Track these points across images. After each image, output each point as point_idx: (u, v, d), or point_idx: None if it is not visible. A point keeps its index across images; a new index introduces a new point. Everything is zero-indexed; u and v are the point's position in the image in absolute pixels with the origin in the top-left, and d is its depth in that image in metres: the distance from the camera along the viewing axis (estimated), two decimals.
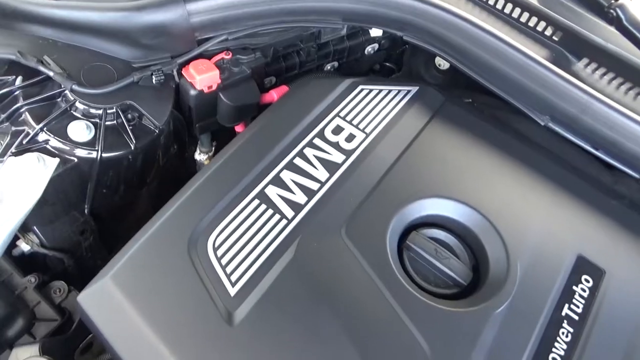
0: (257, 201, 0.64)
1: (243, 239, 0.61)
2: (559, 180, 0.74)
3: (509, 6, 0.80)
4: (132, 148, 0.73)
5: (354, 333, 0.57)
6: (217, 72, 0.78)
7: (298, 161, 0.69)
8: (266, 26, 0.83)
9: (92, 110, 0.72)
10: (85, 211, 0.77)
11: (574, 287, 0.64)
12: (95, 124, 0.72)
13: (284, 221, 0.63)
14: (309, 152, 0.70)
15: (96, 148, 0.70)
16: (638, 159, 0.74)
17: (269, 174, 0.67)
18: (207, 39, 0.80)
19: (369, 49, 1.00)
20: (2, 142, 0.70)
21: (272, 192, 0.65)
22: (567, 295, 0.63)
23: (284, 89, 0.85)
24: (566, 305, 0.62)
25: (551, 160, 0.76)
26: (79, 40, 0.76)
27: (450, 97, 0.81)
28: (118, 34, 0.75)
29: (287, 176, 0.67)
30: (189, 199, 0.64)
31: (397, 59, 1.09)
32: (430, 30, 0.80)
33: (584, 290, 0.64)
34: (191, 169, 0.93)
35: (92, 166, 0.72)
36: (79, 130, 0.71)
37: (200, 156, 0.90)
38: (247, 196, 0.64)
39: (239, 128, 0.86)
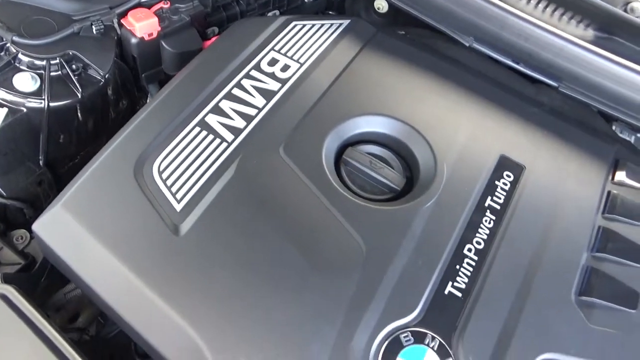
0: (198, 128, 0.68)
1: (186, 162, 0.65)
2: (485, 94, 0.79)
3: None
4: (79, 97, 0.76)
5: (295, 236, 0.61)
6: (155, 19, 0.81)
7: (236, 91, 0.73)
8: None
9: (37, 62, 0.75)
10: (41, 162, 0.80)
11: (497, 182, 0.69)
12: (40, 75, 0.75)
13: (224, 144, 0.67)
14: (246, 82, 0.74)
15: (43, 97, 0.74)
16: (554, 68, 0.80)
17: (209, 103, 0.71)
18: None
19: None
20: None
21: (213, 119, 0.70)
22: (490, 189, 0.68)
23: None
24: (489, 197, 0.68)
25: (477, 78, 0.81)
26: None
27: (383, 29, 0.86)
28: None
29: (226, 105, 0.71)
30: (133, 129, 0.68)
31: (338, 6, 1.13)
32: None
33: (505, 184, 0.69)
34: None
35: (41, 116, 0.75)
36: (24, 81, 0.74)
37: None
38: (188, 124, 0.68)
39: None
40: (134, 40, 0.81)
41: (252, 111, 0.71)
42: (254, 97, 0.72)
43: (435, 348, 0.56)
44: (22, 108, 0.74)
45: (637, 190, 0.73)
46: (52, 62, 0.75)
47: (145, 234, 0.60)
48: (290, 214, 0.63)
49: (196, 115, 0.69)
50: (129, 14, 0.81)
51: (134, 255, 0.59)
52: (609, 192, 0.72)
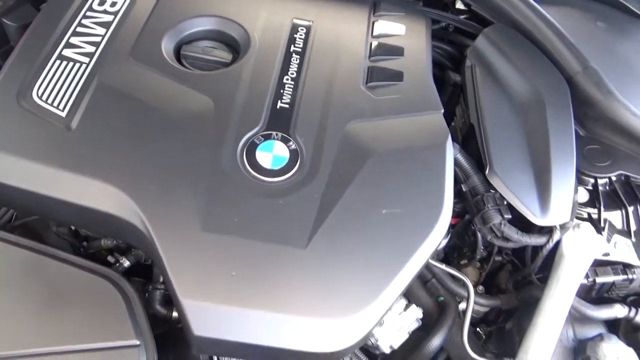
0: (58, 61, 0.86)
1: (57, 85, 0.83)
2: None
3: None
4: None
5: (160, 106, 0.82)
6: None
7: (80, 29, 0.91)
8: None
9: None
10: None
11: (295, 35, 0.96)
12: None
13: (84, 65, 0.86)
14: (86, 21, 0.92)
15: None
16: None
17: (61, 42, 0.88)
18: None
19: None
20: None
21: (68, 52, 0.88)
22: (291, 40, 0.95)
23: None
24: (292, 45, 0.94)
25: None
26: None
27: None
28: None
29: (76, 40, 0.89)
30: (7, 72, 0.84)
31: None
32: None
33: (301, 36, 0.96)
34: None
35: None
36: None
37: None
38: (50, 59, 0.86)
39: None
40: None
41: (97, 38, 0.90)
42: (95, 29, 0.91)
43: (279, 139, 0.82)
44: None
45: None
46: None
47: (41, 138, 0.78)
48: (151, 95, 0.84)
49: (55, 51, 0.87)
50: None
51: (33, 154, 0.76)
52: (371, 43, 1.00)
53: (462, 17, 1.17)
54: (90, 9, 0.95)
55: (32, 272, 0.74)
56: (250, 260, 0.71)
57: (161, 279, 0.84)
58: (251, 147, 0.80)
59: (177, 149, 0.79)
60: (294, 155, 0.80)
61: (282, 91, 0.88)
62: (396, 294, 0.72)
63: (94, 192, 0.74)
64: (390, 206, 0.78)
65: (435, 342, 0.85)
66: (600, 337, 0.82)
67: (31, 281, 0.73)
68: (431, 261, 0.87)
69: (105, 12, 0.95)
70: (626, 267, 0.85)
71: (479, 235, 0.90)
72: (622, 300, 0.88)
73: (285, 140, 0.82)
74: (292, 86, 0.88)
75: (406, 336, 0.84)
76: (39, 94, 0.82)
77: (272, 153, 0.80)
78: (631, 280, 0.84)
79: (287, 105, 0.86)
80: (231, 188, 0.76)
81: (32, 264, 0.74)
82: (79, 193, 0.75)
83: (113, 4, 0.96)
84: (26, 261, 0.74)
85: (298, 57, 0.93)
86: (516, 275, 0.95)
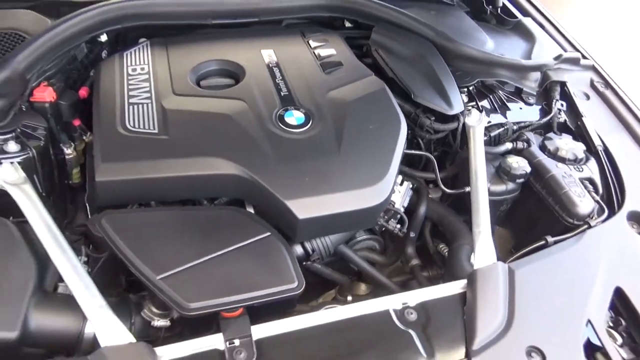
0: (131, 107, 1.26)
1: (140, 118, 1.23)
2: (235, 37, 1.56)
3: None
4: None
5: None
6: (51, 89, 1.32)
7: (131, 87, 1.32)
8: None
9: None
10: None
11: (267, 57, 1.47)
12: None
13: (149, 103, 1.27)
14: (131, 81, 1.34)
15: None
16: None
17: (124, 96, 1.29)
18: None
19: None
20: None
21: (134, 100, 1.28)
22: (267, 60, 1.46)
23: None
24: (270, 63, 1.45)
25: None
26: None
27: None
28: None
29: (134, 92, 1.30)
30: (102, 126, 1.21)
31: None
32: None
33: (271, 57, 1.47)
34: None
35: None
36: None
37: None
38: (125, 107, 1.26)
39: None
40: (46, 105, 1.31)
41: (147, 88, 1.31)
42: (141, 84, 1.33)
43: (294, 109, 1.31)
44: None
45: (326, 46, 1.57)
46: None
47: (153, 145, 1.17)
48: (204, 105, 1.29)
49: (125, 102, 1.26)
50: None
51: (159, 152, 1.16)
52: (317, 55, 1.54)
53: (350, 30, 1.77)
54: (129, 75, 1.36)
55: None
56: (314, 169, 1.18)
57: None
58: (280, 117, 1.28)
59: (239, 128, 1.24)
60: (307, 115, 1.30)
61: (279, 87, 1.37)
62: (396, 170, 1.23)
63: (204, 164, 1.15)
64: (372, 125, 1.30)
65: (422, 210, 1.38)
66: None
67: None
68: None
69: (139, 73, 1.37)
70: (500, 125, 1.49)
71: (421, 142, 1.47)
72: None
73: (297, 109, 1.31)
74: (283, 82, 1.39)
75: (407, 200, 1.35)
76: (132, 126, 1.21)
77: (294, 117, 1.29)
78: (505, 129, 1.47)
79: (287, 93, 1.36)
80: (280, 139, 1.23)
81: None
82: (194, 167, 1.15)
83: (142, 68, 1.39)
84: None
85: (276, 68, 1.44)
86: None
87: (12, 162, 1.14)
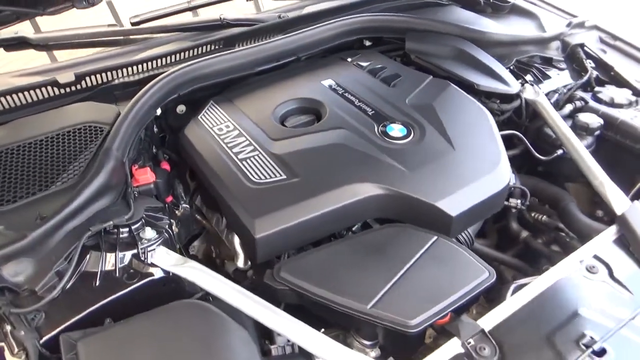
0: (244, 162, 1.25)
1: (259, 169, 1.23)
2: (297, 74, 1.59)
3: None
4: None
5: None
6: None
7: (231, 146, 1.32)
8: None
9: None
10: None
11: (332, 87, 1.52)
12: None
13: (260, 155, 1.27)
14: (226, 140, 1.33)
15: None
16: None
17: (231, 156, 1.28)
18: None
19: None
20: None
21: (242, 155, 1.27)
22: (332, 88, 1.50)
23: None
24: (337, 90, 1.50)
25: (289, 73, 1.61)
26: None
27: None
28: None
29: (237, 150, 1.30)
30: (229, 184, 1.20)
31: None
32: None
33: (336, 85, 1.52)
34: None
35: None
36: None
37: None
38: (238, 163, 1.25)
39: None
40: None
41: (245, 142, 1.32)
42: (236, 140, 1.33)
43: (390, 123, 1.36)
44: None
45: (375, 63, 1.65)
46: None
47: (291, 190, 1.17)
48: (308, 141, 1.31)
49: (235, 159, 1.26)
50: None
51: (299, 195, 1.16)
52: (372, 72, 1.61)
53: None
54: (219, 135, 1.35)
55: None
56: (442, 169, 1.24)
57: None
58: (384, 133, 1.33)
59: (357, 152, 1.27)
60: (406, 125, 1.35)
61: (363, 108, 1.42)
62: (505, 152, 1.32)
63: (345, 193, 1.17)
64: (463, 118, 1.39)
65: (517, 183, 1.47)
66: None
67: None
68: None
69: (228, 131, 1.36)
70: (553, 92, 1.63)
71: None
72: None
73: (393, 122, 1.36)
74: (364, 104, 1.44)
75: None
76: (258, 179, 1.21)
77: (395, 129, 1.34)
78: (560, 94, 1.61)
79: (374, 111, 1.41)
80: (398, 151, 1.27)
81: None
82: (338, 199, 1.16)
83: (227, 126, 1.38)
84: None
85: (347, 93, 1.49)
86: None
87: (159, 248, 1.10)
